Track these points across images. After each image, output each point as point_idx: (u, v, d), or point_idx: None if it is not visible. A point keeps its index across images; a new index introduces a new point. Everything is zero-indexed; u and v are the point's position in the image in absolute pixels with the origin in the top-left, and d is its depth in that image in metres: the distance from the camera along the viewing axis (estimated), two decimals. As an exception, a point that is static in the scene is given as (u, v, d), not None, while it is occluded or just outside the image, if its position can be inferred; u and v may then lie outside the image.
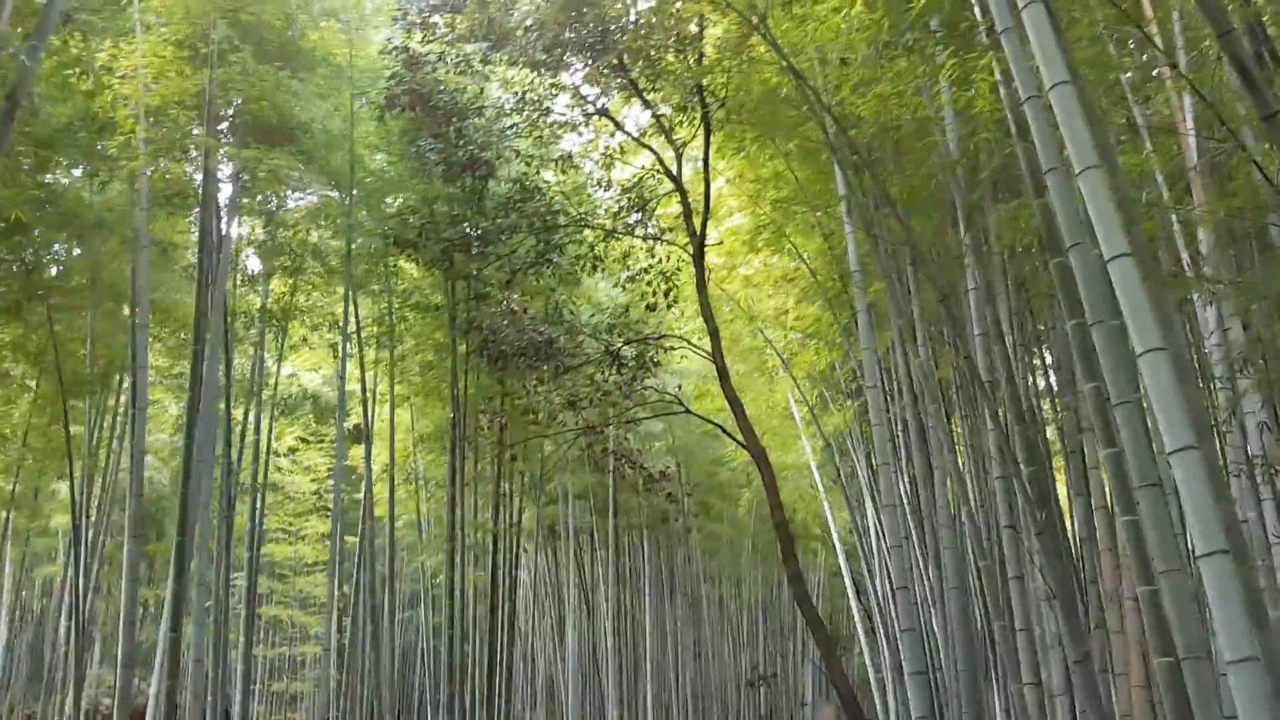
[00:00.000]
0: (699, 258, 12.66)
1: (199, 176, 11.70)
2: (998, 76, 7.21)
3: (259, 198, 14.25)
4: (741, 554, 34.05)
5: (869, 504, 18.29)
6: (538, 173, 13.57)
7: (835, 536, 22.09)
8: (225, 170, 12.60)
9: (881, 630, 17.81)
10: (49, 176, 11.33)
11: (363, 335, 15.69)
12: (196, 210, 12.46)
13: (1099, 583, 9.16)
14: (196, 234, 12.60)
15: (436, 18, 12.89)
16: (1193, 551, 4.31)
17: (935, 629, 11.40)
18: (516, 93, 12.73)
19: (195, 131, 9.91)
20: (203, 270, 9.12)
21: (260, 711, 26.61)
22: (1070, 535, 10.95)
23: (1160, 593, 5.39)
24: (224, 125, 11.05)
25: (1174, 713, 4.91)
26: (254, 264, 16.10)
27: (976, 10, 7.08)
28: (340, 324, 14.34)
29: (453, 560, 15.94)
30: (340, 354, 14.55)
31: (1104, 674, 8.75)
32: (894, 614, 16.73)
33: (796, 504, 33.37)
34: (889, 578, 17.88)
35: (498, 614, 18.27)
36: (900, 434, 13.90)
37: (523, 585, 29.62)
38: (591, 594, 27.40)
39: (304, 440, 22.35)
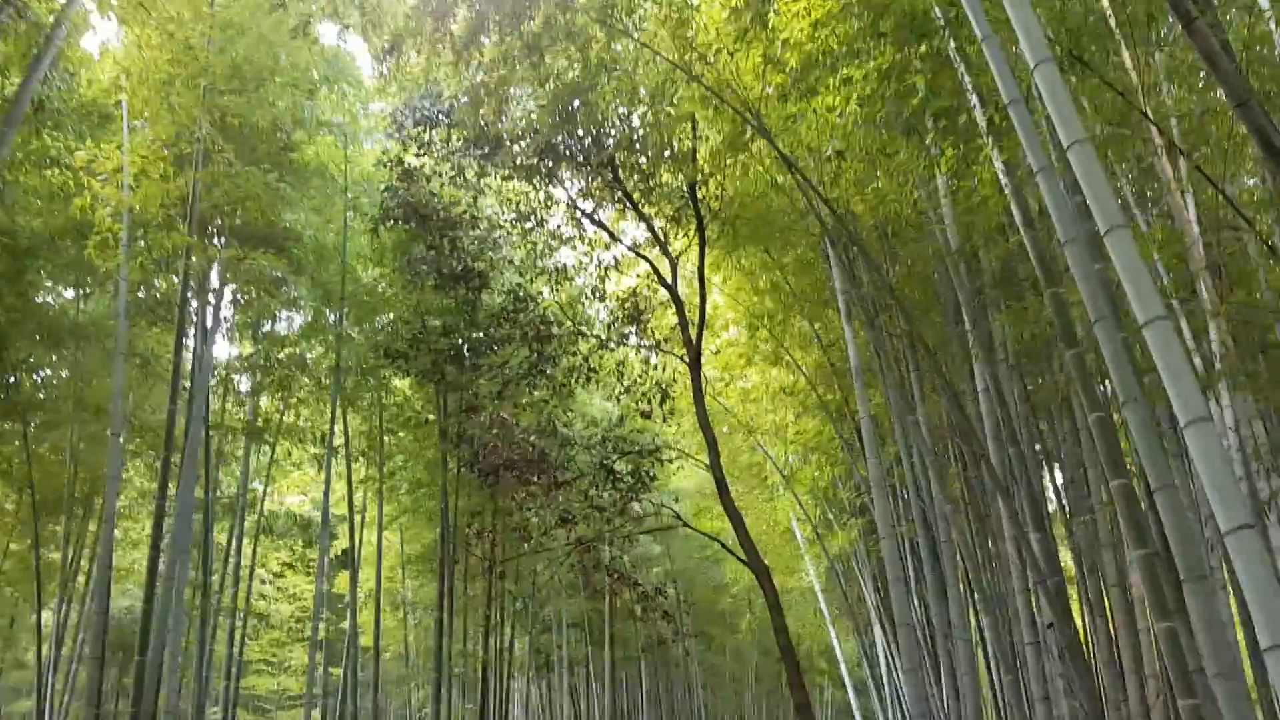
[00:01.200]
0: (695, 367, 12.35)
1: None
2: (999, 167, 7.03)
3: (248, 312, 14.08)
4: (744, 689, 32.71)
5: (877, 629, 17.49)
6: (531, 283, 13.39)
7: (843, 668, 21.10)
8: (213, 283, 12.42)
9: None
10: (30, 288, 11.11)
11: (350, 451, 15.23)
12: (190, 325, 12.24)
13: (1121, 707, 8.51)
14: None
15: (432, 132, 12.95)
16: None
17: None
18: (511, 201, 12.65)
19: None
20: (176, 372, 8.75)
21: None
22: (1089, 656, 10.30)
23: (1206, 703, 4.86)
24: (211, 231, 10.88)
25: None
26: (244, 384, 15.81)
27: (973, 98, 6.94)
28: (327, 439, 13.91)
29: (439, 693, 15.06)
30: (325, 469, 14.06)
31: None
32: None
33: (801, 633, 32.21)
34: (902, 710, 16.95)
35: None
36: (908, 551, 13.33)
37: (515, 719, 28.27)
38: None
39: (289, 566, 21.58)
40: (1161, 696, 8.58)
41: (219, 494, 15.21)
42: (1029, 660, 7.19)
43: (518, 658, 23.91)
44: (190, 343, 11.50)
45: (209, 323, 10.02)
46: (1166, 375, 3.65)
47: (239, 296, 13.43)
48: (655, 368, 13.61)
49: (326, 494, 14.03)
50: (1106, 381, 7.35)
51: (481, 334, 13.32)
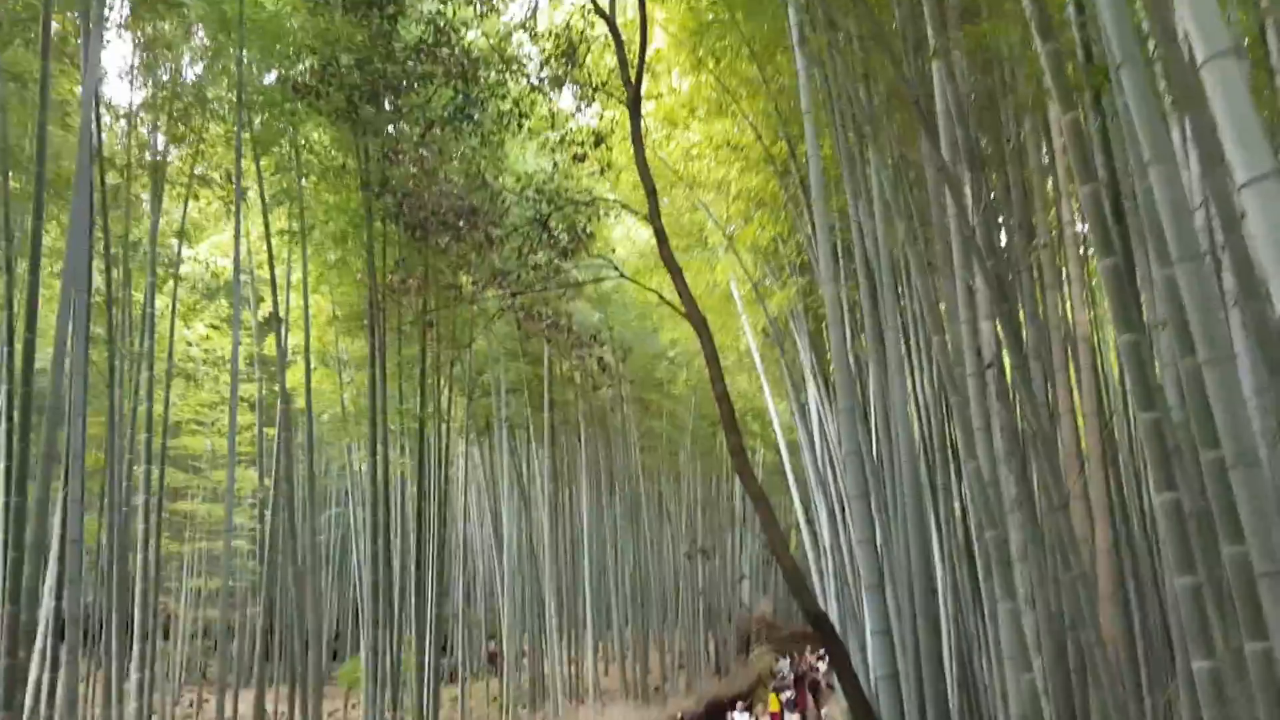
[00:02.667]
0: (635, 110, 11.47)
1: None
2: None
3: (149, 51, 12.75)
4: (679, 450, 33.66)
5: (811, 389, 17.64)
6: (454, 14, 12.17)
7: (777, 429, 21.51)
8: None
9: (826, 536, 17.38)
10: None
11: (266, 201, 14.30)
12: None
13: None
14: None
15: None
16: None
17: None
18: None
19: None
20: (43, 87, 7.70)
21: (176, 608, 25.65)
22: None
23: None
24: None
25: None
26: (157, 139, 14.53)
27: None
28: (234, 178, 12.96)
29: (375, 447, 14.95)
30: (235, 212, 13.19)
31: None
32: (838, 512, 16.21)
33: (736, 400, 32.94)
34: (831, 463, 17.34)
35: (425, 505, 17.42)
36: (846, 309, 13.10)
37: (456, 481, 28.87)
38: (528, 489, 26.71)
39: (215, 328, 20.95)
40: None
41: (134, 251, 14.33)
42: (971, 391, 6.99)
43: (457, 420, 24.05)
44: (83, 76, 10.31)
45: (90, 41, 8.83)
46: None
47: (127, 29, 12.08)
48: (593, 115, 12.71)
49: (237, 236, 13.25)
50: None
51: (399, 69, 12.20)
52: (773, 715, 22.57)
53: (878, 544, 9.92)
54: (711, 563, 36.12)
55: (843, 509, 16.73)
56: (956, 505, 9.54)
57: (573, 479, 29.11)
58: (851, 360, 11.37)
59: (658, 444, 32.79)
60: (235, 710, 20.38)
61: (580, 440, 28.44)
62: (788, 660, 39.55)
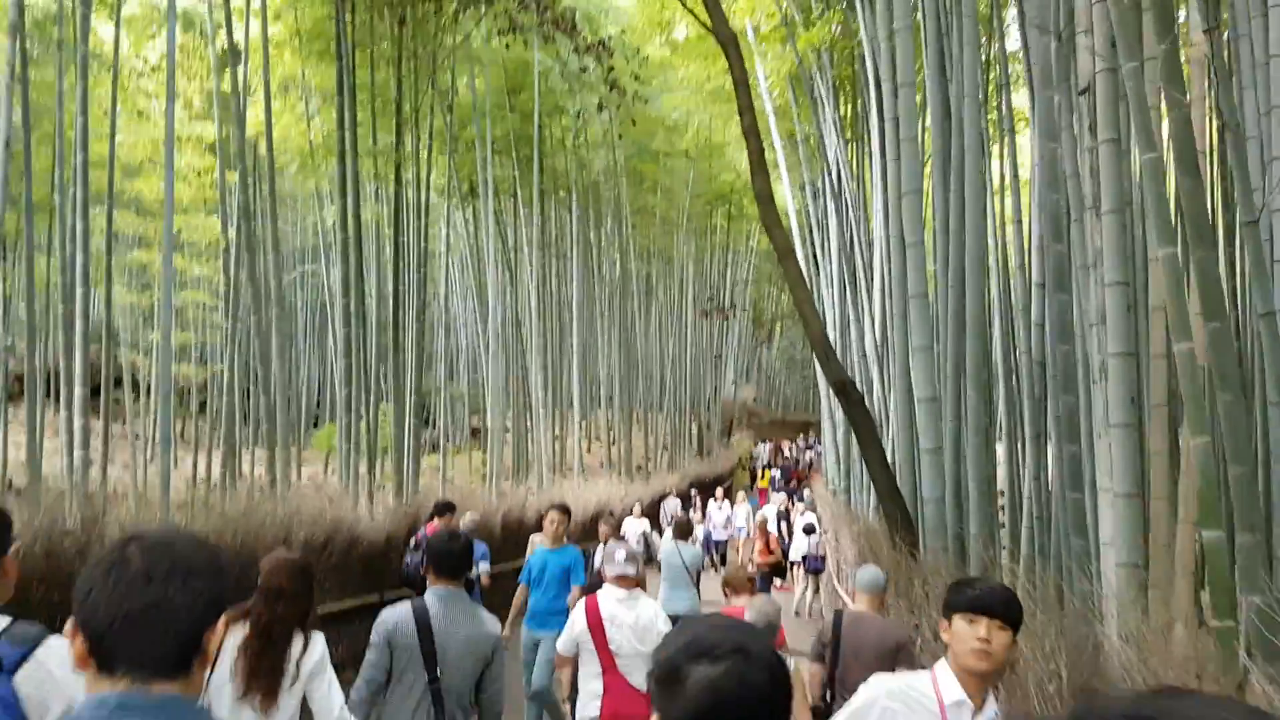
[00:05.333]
0: None
1: None
2: None
3: None
4: (675, 230, 32.16)
5: (832, 145, 15.96)
6: None
7: (791, 209, 19.85)
8: None
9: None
10: None
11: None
12: None
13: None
14: None
15: None
16: None
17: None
18: None
19: None
20: None
21: (148, 364, 24.65)
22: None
23: None
24: None
25: None
26: None
27: None
28: None
29: (344, 188, 13.36)
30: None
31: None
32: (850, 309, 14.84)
33: (737, 180, 31.13)
34: (849, 250, 15.90)
35: (403, 265, 16.03)
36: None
37: (438, 247, 27.40)
38: (515, 261, 25.28)
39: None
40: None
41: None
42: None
43: (438, 180, 22.30)
44: None
45: None
46: None
47: None
48: None
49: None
50: None
51: None
52: (761, 491, 22.54)
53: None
54: (699, 345, 35.44)
55: (855, 305, 15.56)
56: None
57: (561, 253, 27.68)
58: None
59: (651, 221, 31.26)
60: (209, 470, 19.79)
61: (571, 212, 26.83)
62: (767, 445, 39.84)
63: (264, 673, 3.36)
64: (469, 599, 3.94)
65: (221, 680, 3.35)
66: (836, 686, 4.72)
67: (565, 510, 7.66)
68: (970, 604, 2.51)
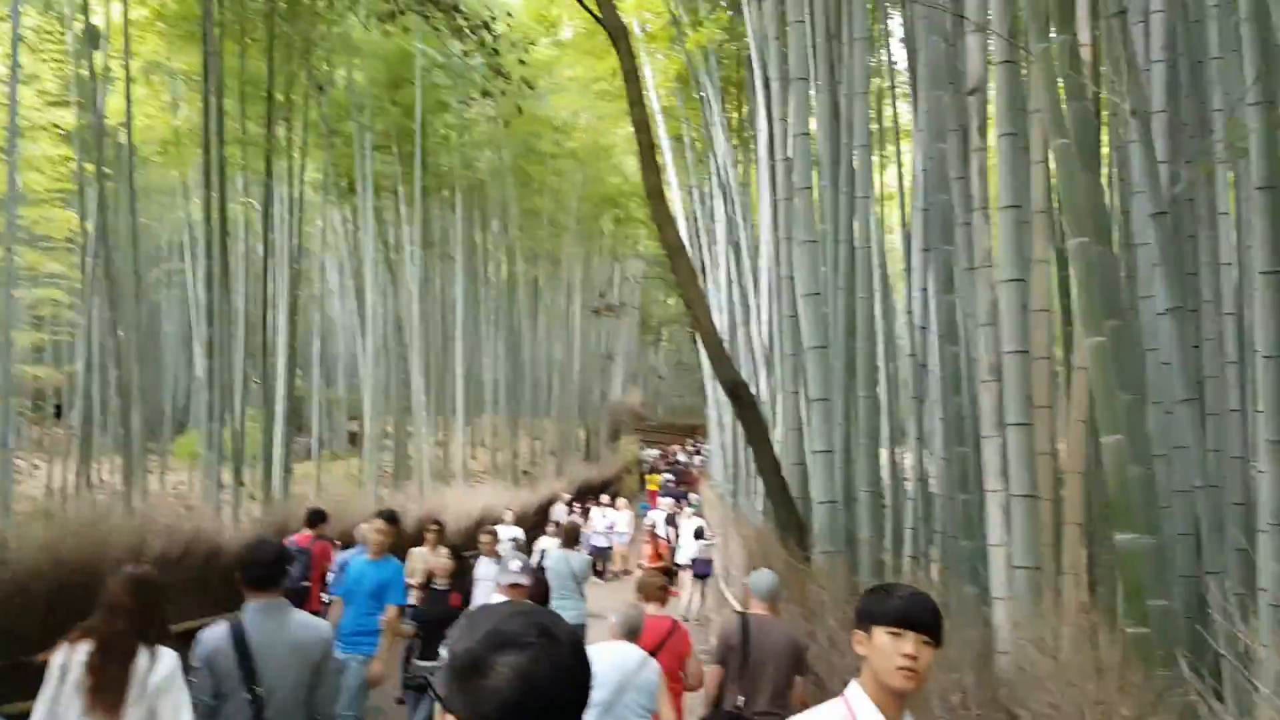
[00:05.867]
0: None
1: None
2: None
3: None
4: (562, 232, 31.80)
5: (720, 149, 15.91)
6: None
7: (679, 210, 19.72)
8: None
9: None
10: None
11: None
12: None
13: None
14: None
15: None
16: None
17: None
18: None
19: None
20: None
21: None
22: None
23: None
24: None
25: None
26: None
27: None
28: None
29: (209, 179, 12.58)
30: None
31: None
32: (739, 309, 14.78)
33: (623, 182, 31.00)
34: (739, 251, 15.86)
35: (274, 263, 15.23)
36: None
37: (314, 246, 26.40)
38: (396, 262, 24.47)
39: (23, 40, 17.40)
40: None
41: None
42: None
43: (313, 175, 21.41)
44: None
45: None
46: None
47: None
48: None
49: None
50: None
51: None
52: (651, 493, 22.69)
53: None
54: (587, 349, 35.18)
55: (745, 308, 15.52)
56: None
57: (446, 254, 26.95)
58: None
59: (539, 223, 30.82)
60: (64, 478, 18.45)
61: (455, 212, 26.15)
62: (657, 451, 39.88)
63: (105, 688, 3.34)
64: (290, 608, 3.74)
65: (70, 694, 3.33)
66: (748, 687, 4.74)
67: (392, 519, 6.87)
68: (896, 617, 2.21)
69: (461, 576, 6.97)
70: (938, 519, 7.43)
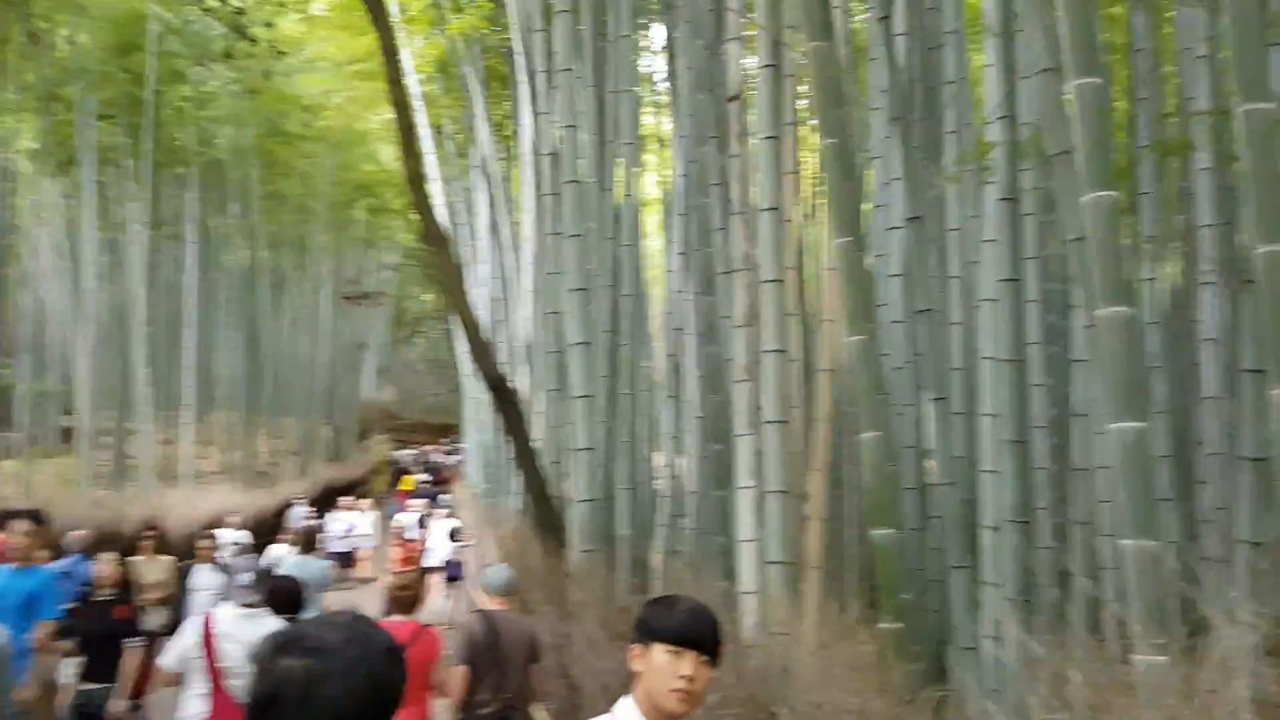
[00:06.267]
0: None
1: None
2: None
3: None
4: (312, 218, 30.20)
5: (484, 141, 15.62)
6: None
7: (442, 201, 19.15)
8: None
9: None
10: None
11: None
12: None
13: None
14: None
15: None
16: None
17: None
18: None
19: None
20: None
21: None
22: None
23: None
24: None
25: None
26: None
27: None
28: None
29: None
30: None
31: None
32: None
33: (378, 174, 29.88)
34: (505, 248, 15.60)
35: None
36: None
37: (24, 223, 23.64)
38: (121, 243, 22.26)
39: None
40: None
41: None
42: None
43: (28, 146, 19.18)
44: None
45: None
46: None
47: None
48: None
49: None
50: None
51: None
52: (402, 494, 22.22)
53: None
54: (336, 344, 33.62)
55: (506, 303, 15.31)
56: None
57: (177, 236, 24.82)
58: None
59: (285, 208, 29.08)
60: None
61: (191, 192, 24.14)
62: (414, 451, 38.80)
63: None
64: None
65: None
66: (501, 682, 4.80)
67: (36, 518, 5.85)
68: (677, 634, 2.07)
69: (126, 587, 6.30)
70: (693, 515, 7.56)
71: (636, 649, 2.14)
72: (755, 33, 5.78)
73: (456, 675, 4.88)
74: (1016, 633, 3.40)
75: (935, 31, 6.51)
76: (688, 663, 2.06)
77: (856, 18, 9.03)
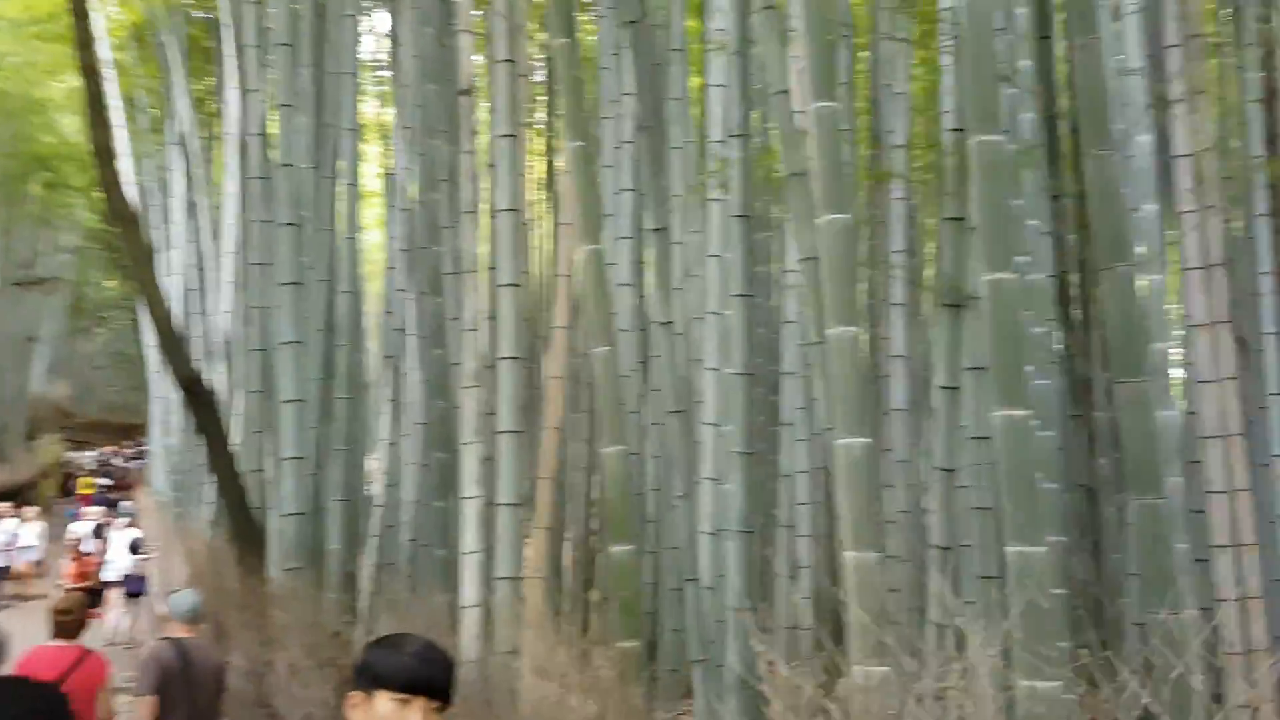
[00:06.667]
0: None
1: None
2: None
3: None
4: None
5: (183, 118, 14.27)
6: None
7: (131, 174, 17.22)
8: None
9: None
10: None
11: None
12: None
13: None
14: None
15: None
16: None
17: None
18: None
19: None
20: None
21: None
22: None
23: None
24: None
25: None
26: None
27: None
28: None
29: None
30: None
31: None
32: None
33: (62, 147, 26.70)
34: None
35: None
36: None
37: None
38: None
39: None
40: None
41: None
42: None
43: None
44: None
45: None
46: None
47: None
48: None
49: None
50: None
51: None
52: (85, 499, 20.53)
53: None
54: (6, 329, 29.67)
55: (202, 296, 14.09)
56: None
57: None
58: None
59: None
60: None
61: None
62: (95, 452, 35.00)
63: None
64: None
65: None
66: (191, 712, 4.56)
67: None
68: (406, 681, 1.81)
69: None
70: (410, 527, 7.19)
71: (356, 696, 1.83)
72: (485, 29, 5.58)
73: (145, 706, 4.50)
74: (750, 644, 3.43)
75: (663, 49, 6.58)
76: (416, 711, 1.79)
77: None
